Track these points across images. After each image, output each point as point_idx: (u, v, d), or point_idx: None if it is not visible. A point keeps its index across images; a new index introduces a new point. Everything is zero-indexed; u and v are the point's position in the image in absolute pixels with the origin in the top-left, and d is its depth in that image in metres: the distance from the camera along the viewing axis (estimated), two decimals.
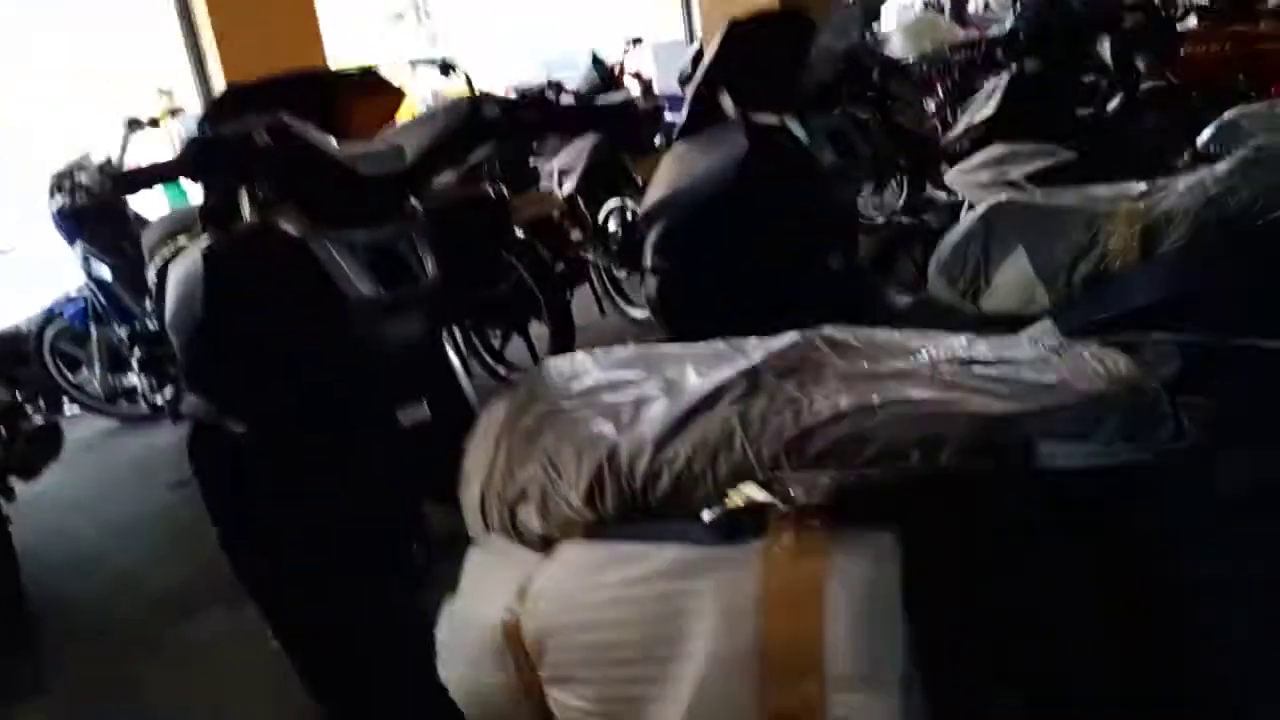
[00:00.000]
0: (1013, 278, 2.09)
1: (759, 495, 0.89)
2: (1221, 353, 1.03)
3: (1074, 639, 0.80)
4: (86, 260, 3.79)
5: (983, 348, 1.00)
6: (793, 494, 0.85)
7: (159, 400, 3.74)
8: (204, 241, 1.66)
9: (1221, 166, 1.88)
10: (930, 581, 0.79)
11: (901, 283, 3.19)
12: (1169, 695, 0.89)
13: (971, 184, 3.25)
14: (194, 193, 1.82)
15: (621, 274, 4.44)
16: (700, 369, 1.15)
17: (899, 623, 0.77)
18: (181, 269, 1.72)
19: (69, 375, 4.30)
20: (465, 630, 1.20)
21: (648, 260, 2.64)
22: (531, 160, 4.32)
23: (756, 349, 1.11)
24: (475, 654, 1.16)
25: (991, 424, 0.82)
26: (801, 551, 0.82)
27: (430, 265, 1.67)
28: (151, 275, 2.23)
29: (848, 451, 0.87)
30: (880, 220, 4.80)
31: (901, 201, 5.13)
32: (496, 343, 3.86)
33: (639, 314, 4.27)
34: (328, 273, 1.57)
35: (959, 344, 1.02)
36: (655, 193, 2.61)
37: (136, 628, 2.74)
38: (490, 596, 1.15)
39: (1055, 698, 0.96)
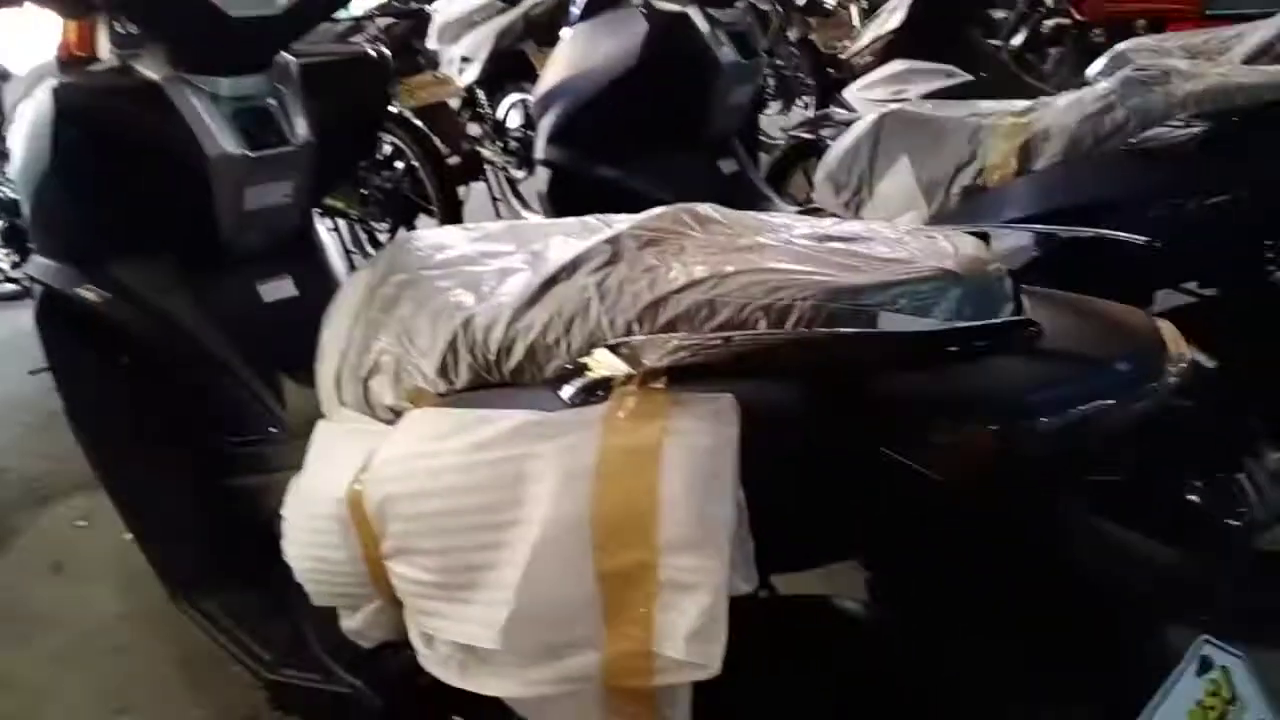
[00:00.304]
0: (895, 188, 2.11)
1: (610, 361, 0.88)
2: (1075, 244, 1.05)
3: (899, 511, 0.82)
4: None
5: (842, 228, 1.01)
6: (641, 358, 0.84)
7: (21, 278, 3.55)
8: (55, 81, 1.54)
9: (1102, 86, 1.91)
10: (768, 447, 0.79)
11: (792, 196, 3.20)
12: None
13: (869, 101, 3.26)
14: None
15: (520, 175, 4.35)
16: (567, 242, 1.12)
17: (734, 486, 0.77)
18: (30, 111, 1.60)
19: None
20: (310, 505, 1.17)
21: (540, 151, 2.59)
22: (430, 43, 4.15)
23: (624, 223, 1.09)
24: (319, 529, 1.13)
25: (837, 293, 0.82)
26: (642, 414, 0.81)
27: (302, 127, 1.59)
28: (10, 138, 2.09)
29: (698, 317, 0.87)
30: (780, 139, 4.82)
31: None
32: (383, 238, 3.76)
33: (536, 220, 4.21)
34: (187, 124, 1.48)
35: (821, 224, 1.03)
36: (551, 77, 2.55)
37: None
38: (336, 469, 1.12)
39: (883, 559, 1.00)
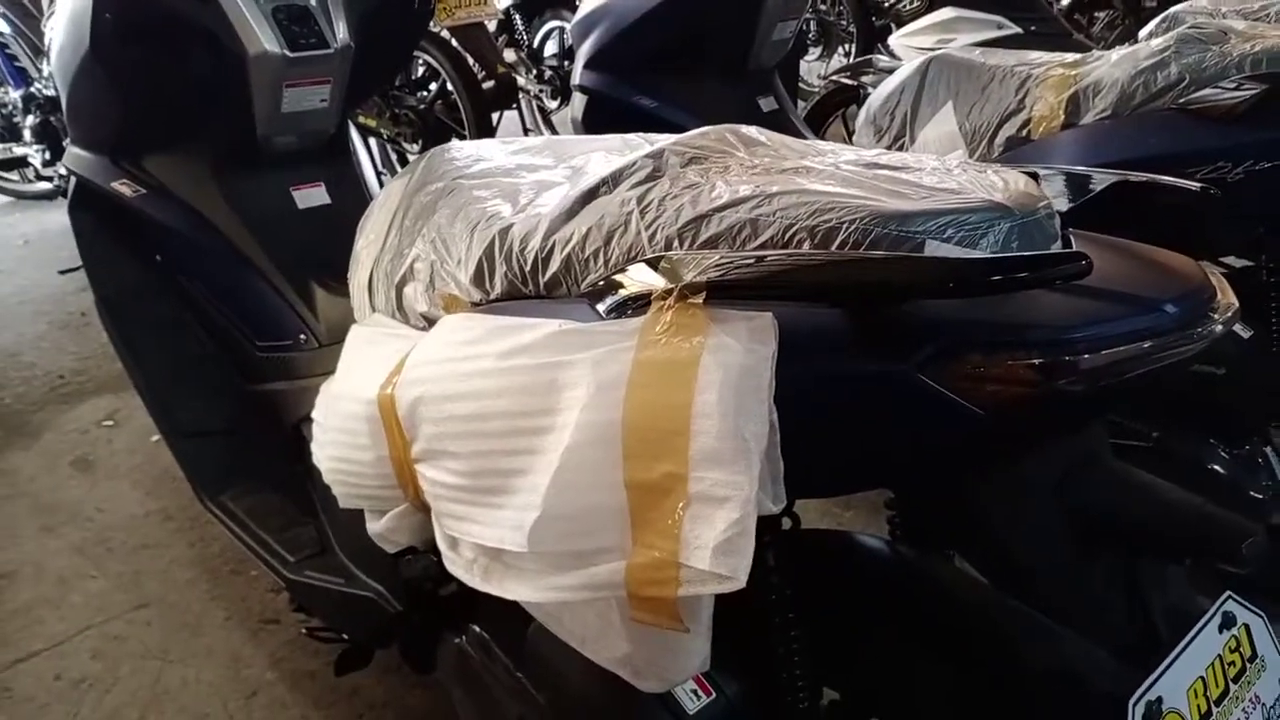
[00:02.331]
0: (938, 134, 2.08)
1: (648, 276, 0.88)
2: (1121, 197, 1.03)
3: (931, 439, 0.81)
4: None
5: (890, 157, 0.99)
6: (680, 273, 0.83)
7: (53, 177, 3.55)
8: None
9: (1157, 42, 1.87)
10: (804, 367, 0.79)
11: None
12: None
13: (913, 48, 3.21)
14: None
15: (553, 105, 4.31)
16: (608, 157, 1.11)
17: (769, 404, 0.77)
18: None
19: None
20: (341, 406, 1.17)
21: (577, 76, 2.56)
22: None
23: (667, 140, 1.08)
24: (349, 430, 1.14)
25: (885, 218, 0.80)
26: (679, 329, 0.80)
27: (342, 29, 1.57)
28: (47, 31, 2.07)
29: (740, 236, 0.86)
30: (818, 87, 4.75)
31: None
32: (414, 158, 3.74)
33: (576, 137, 4.16)
34: (227, 18, 1.46)
35: (868, 153, 1.01)
36: (593, 0, 2.50)
37: (12, 412, 2.68)
38: (368, 372, 1.13)
39: (911, 487, 1.00)
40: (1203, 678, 0.82)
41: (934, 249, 0.79)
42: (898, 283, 0.76)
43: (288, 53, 1.52)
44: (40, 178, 3.70)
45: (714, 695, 0.95)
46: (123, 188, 1.65)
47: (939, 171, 0.92)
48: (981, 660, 0.93)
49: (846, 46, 5.80)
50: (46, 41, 1.95)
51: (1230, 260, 1.90)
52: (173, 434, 1.78)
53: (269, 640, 1.81)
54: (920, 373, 0.75)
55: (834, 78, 3.30)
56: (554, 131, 4.41)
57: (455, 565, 0.98)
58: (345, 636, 1.51)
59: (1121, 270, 0.84)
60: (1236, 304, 0.84)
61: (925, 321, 0.77)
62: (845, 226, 0.81)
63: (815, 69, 5.69)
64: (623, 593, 0.80)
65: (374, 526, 1.16)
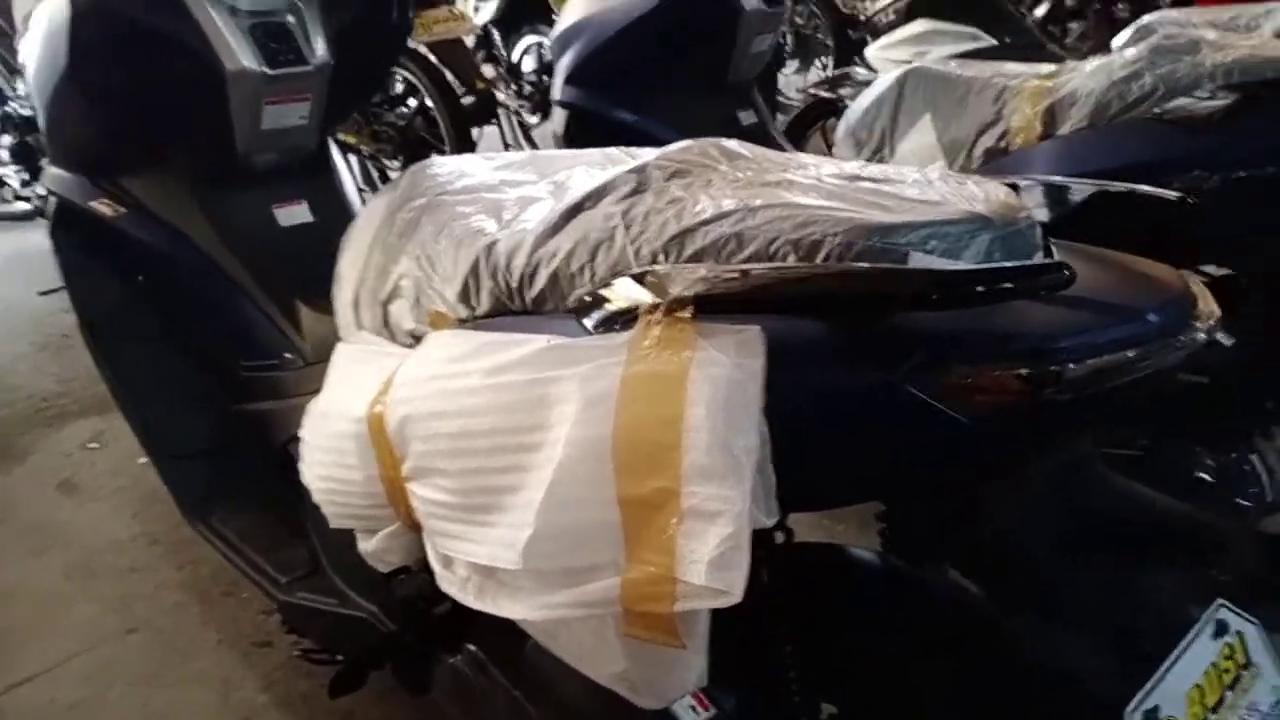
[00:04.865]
0: (917, 147, 2.09)
1: (635, 291, 0.88)
2: (1101, 207, 1.05)
3: (921, 451, 0.82)
4: None
5: (871, 170, 1.00)
6: (668, 287, 0.83)
7: (31, 197, 3.53)
8: None
9: (1130, 52, 1.89)
10: (793, 381, 0.79)
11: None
12: None
13: (890, 61, 3.23)
14: None
15: (533, 120, 4.32)
16: (591, 172, 1.12)
17: (759, 418, 0.77)
18: (46, 14, 1.57)
19: None
20: (329, 425, 1.17)
21: (557, 92, 2.57)
22: None
23: (649, 155, 1.08)
24: (338, 449, 1.13)
25: (868, 231, 0.81)
26: (667, 343, 0.81)
27: (320, 46, 1.57)
28: (23, 50, 2.06)
29: (726, 249, 0.86)
30: (797, 99, 4.77)
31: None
32: (395, 176, 3.73)
33: (559, 151, 4.17)
34: (205, 35, 1.46)
35: (849, 165, 1.02)
36: (570, 15, 2.52)
37: None
38: (356, 390, 1.12)
39: (902, 499, 1.00)
40: (1200, 685, 0.82)
41: (917, 260, 0.80)
42: (882, 294, 0.77)
43: (266, 70, 1.52)
44: (18, 198, 3.67)
45: (712, 710, 0.94)
46: (103, 207, 1.64)
47: (920, 183, 0.92)
48: (977, 670, 0.93)
49: (824, 59, 5.85)
50: (21, 60, 1.94)
51: (1209, 269, 1.92)
52: (159, 455, 1.76)
53: (261, 663, 1.79)
54: (907, 384, 0.76)
55: (812, 90, 3.32)
56: (535, 146, 4.42)
57: (449, 584, 0.97)
58: (339, 658, 1.50)
59: (1104, 280, 0.85)
60: (1219, 312, 0.85)
61: (910, 333, 0.77)
62: (829, 239, 0.82)
63: (794, 82, 5.73)
64: (618, 609, 0.80)
65: (365, 546, 1.16)
